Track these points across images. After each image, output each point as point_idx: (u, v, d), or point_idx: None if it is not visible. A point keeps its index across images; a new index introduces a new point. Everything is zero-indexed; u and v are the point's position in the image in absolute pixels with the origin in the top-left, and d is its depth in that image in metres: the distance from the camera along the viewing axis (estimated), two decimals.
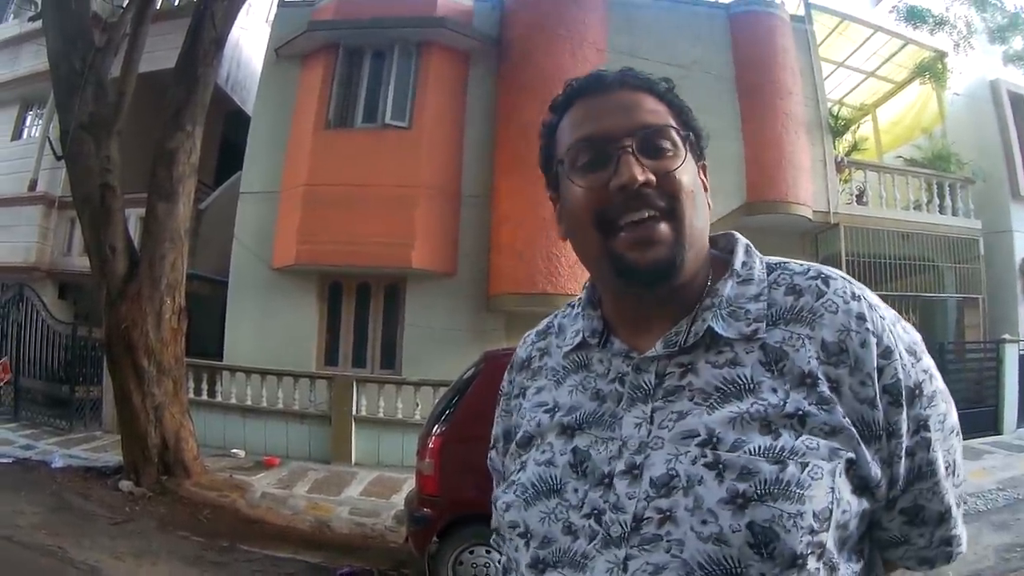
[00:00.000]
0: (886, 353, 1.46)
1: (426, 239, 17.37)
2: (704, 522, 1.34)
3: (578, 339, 1.69)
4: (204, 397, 16.66)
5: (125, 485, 12.40)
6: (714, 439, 1.41)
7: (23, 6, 19.27)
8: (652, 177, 1.48)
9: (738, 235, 1.69)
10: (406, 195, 17.31)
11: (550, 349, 1.80)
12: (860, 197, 20.50)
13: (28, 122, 24.78)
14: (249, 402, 16.51)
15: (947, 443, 1.54)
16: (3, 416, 18.72)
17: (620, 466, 1.46)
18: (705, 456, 1.39)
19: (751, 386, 1.44)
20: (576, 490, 1.51)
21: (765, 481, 1.34)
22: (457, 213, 18.06)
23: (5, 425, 17.70)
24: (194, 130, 13.12)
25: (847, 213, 19.56)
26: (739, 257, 1.62)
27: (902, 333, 1.52)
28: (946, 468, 1.54)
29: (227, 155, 23.25)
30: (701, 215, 1.55)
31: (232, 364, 17.24)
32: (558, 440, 1.59)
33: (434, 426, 8.52)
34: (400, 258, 17.18)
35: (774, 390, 1.43)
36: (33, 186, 22.40)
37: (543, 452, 1.60)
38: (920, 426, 1.49)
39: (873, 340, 1.46)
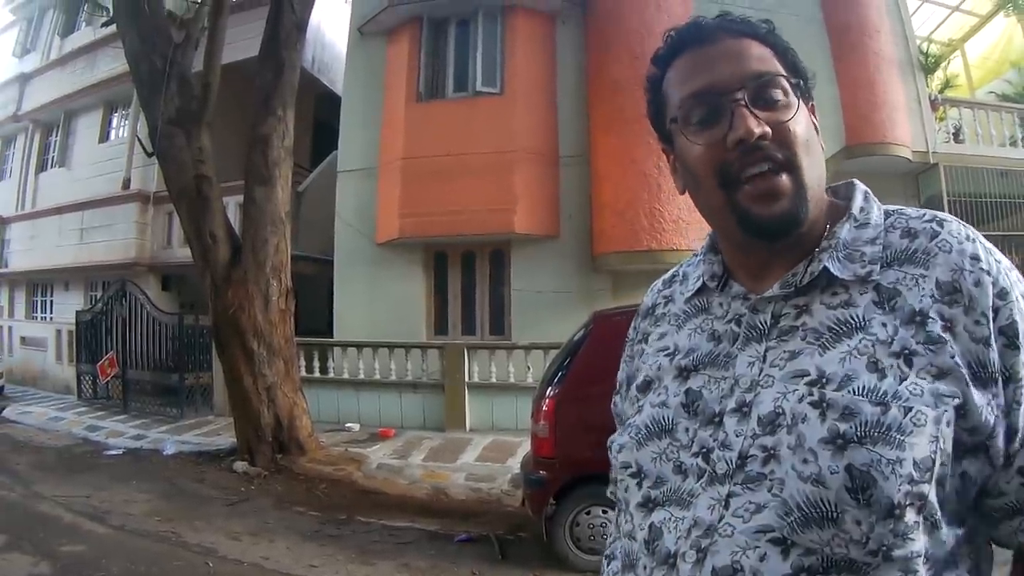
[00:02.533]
0: (1002, 294, 1.41)
1: (527, 203, 17.37)
2: (805, 461, 1.34)
3: (699, 284, 1.71)
4: (316, 374, 16.94)
5: (239, 466, 12.64)
6: (823, 379, 1.40)
7: (94, 12, 19.40)
8: (768, 130, 1.46)
9: (857, 182, 1.66)
10: (504, 160, 17.28)
11: (674, 296, 1.80)
12: (956, 135, 19.94)
13: (114, 123, 25.37)
14: (361, 376, 16.73)
15: None
16: (113, 409, 19.17)
17: (731, 404, 1.48)
18: (811, 395, 1.39)
19: (862, 324, 1.43)
20: (687, 429, 1.53)
21: (865, 423, 1.32)
22: (556, 175, 18.00)
23: (115, 417, 18.09)
24: (285, 114, 13.30)
25: (945, 152, 19.12)
26: (857, 203, 1.59)
27: (1017, 280, 1.46)
28: None
29: (321, 136, 23.62)
30: (817, 162, 1.53)
31: (342, 340, 17.50)
32: (674, 383, 1.61)
33: (547, 389, 8.52)
34: (503, 224, 17.19)
35: (884, 325, 1.41)
36: (127, 184, 22.92)
37: (659, 395, 1.63)
38: None
39: (988, 280, 1.42)
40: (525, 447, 11.66)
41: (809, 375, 1.41)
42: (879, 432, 1.30)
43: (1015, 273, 1.46)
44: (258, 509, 10.54)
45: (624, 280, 17.24)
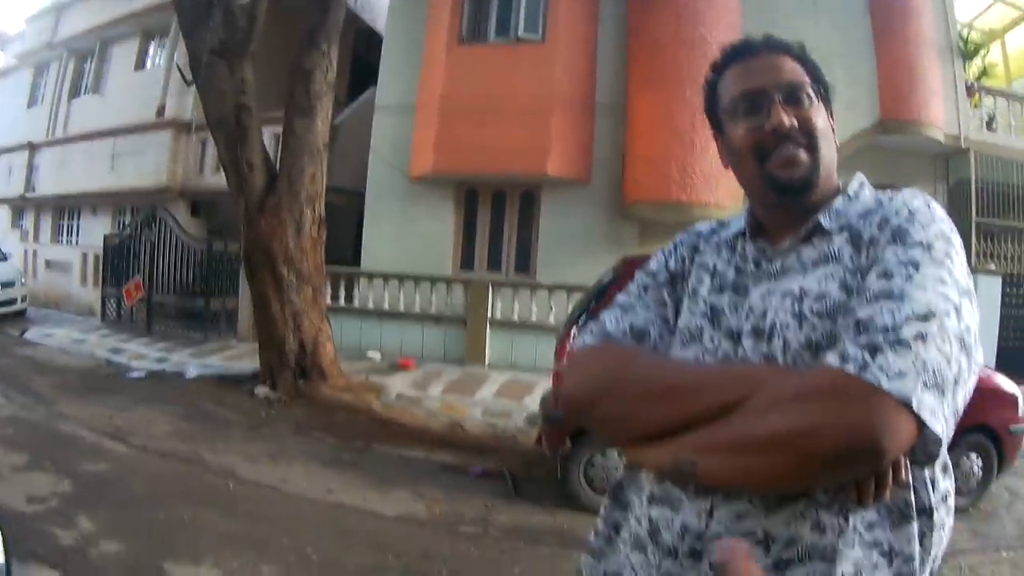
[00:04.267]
0: (910, 218, 1.76)
1: (561, 147, 17.43)
2: (795, 360, 1.71)
3: (740, 229, 2.08)
4: (341, 303, 17.15)
5: (261, 391, 12.78)
6: (803, 293, 1.78)
7: None
8: (795, 122, 1.88)
9: (860, 174, 2.07)
10: (540, 105, 17.34)
11: (719, 232, 2.18)
12: (990, 123, 19.79)
13: (151, 52, 25.49)
14: (386, 306, 16.99)
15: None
16: (137, 332, 19.34)
17: (747, 327, 1.85)
18: (793, 307, 1.77)
19: (836, 255, 1.81)
20: (712, 339, 1.91)
21: (825, 335, 1.69)
22: (591, 122, 17.99)
23: (138, 340, 18.23)
24: (329, 49, 13.27)
25: (977, 139, 19.02)
26: (852, 186, 2.00)
27: (939, 223, 1.76)
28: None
29: (359, 72, 23.75)
30: (830, 149, 1.95)
31: (369, 270, 17.71)
32: (708, 296, 1.99)
33: (572, 327, 8.62)
34: (535, 165, 17.31)
35: (851, 258, 1.78)
36: (161, 112, 23.05)
37: (697, 304, 2.00)
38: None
39: (905, 211, 1.78)
40: (542, 387, 11.86)
41: (794, 292, 1.80)
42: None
43: (941, 222, 1.76)
44: (278, 433, 10.68)
45: (651, 230, 17.41)
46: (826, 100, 2.01)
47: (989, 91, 20.49)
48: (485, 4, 18.45)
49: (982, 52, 22.00)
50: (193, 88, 13.62)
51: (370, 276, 17.37)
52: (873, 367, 1.47)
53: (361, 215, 19.10)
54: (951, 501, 1.77)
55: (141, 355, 16.39)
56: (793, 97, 1.91)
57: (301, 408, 12.11)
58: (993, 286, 16.66)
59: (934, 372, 1.47)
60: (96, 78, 26.65)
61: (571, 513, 8.04)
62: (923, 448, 1.50)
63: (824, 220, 1.87)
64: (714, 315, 1.94)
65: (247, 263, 13.27)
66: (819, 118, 1.93)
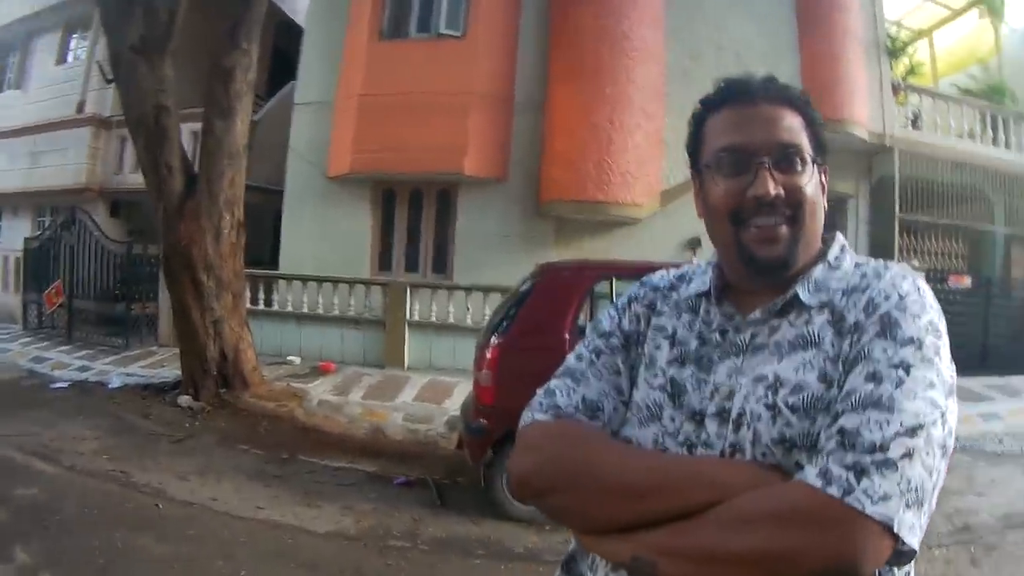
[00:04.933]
0: (901, 305, 1.64)
1: (478, 146, 17.52)
2: (764, 454, 1.62)
3: (703, 288, 1.93)
4: (260, 306, 17.03)
5: (184, 400, 12.65)
6: (778, 382, 1.66)
7: None
8: (782, 192, 1.74)
9: (839, 235, 1.94)
10: (459, 103, 17.39)
11: (679, 289, 2.01)
12: (915, 122, 20.29)
13: (72, 45, 24.95)
14: (305, 309, 16.94)
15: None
16: (58, 339, 19.04)
17: (711, 408, 1.73)
18: (767, 397, 1.65)
19: (816, 340, 1.69)
20: (673, 419, 1.78)
21: (800, 434, 1.60)
22: (510, 120, 18.09)
23: (60, 348, 17.98)
24: (250, 47, 13.10)
25: (902, 136, 19.40)
26: (833, 251, 1.86)
27: (929, 310, 1.65)
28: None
29: (278, 65, 23.40)
30: (818, 220, 1.82)
31: (288, 273, 17.64)
32: (667, 367, 1.86)
33: (491, 336, 8.60)
34: (452, 164, 17.36)
35: (832, 344, 1.66)
36: (81, 108, 22.68)
37: (655, 376, 1.87)
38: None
39: (896, 296, 1.66)
40: (461, 389, 12.15)
41: (767, 379, 1.67)
42: (812, 441, 1.58)
43: (932, 311, 1.66)
44: (204, 447, 10.60)
45: (568, 228, 17.63)
46: (820, 161, 1.85)
47: (915, 89, 20.96)
48: None
49: (909, 50, 22.51)
50: (114, 84, 13.36)
51: (289, 279, 17.32)
52: (858, 491, 1.41)
53: (279, 213, 19.03)
54: (912, 572, 1.71)
55: (64, 364, 16.18)
56: (784, 162, 1.77)
57: (225, 418, 12.07)
58: None
59: (917, 489, 1.44)
60: (19, 72, 26.05)
61: (496, 523, 8.12)
62: (896, 560, 1.48)
63: (803, 293, 1.75)
64: (674, 391, 1.81)
65: (167, 269, 13.15)
66: (810, 185, 1.79)
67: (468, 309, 15.95)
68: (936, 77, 24.82)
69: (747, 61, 16.34)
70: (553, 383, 1.95)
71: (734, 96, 1.85)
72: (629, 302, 2.05)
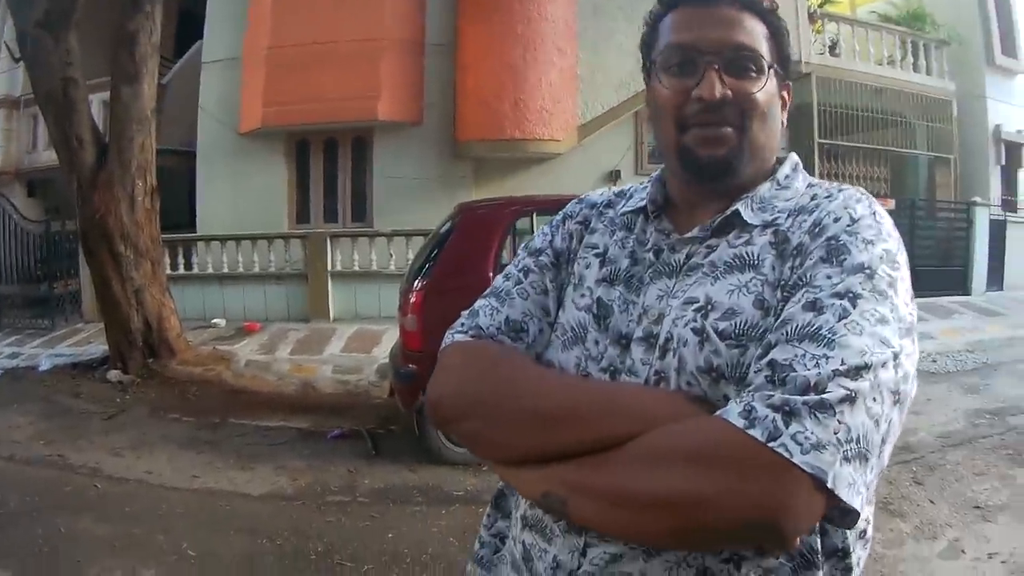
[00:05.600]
0: (852, 231, 1.47)
1: (391, 90, 17.51)
2: (689, 384, 1.47)
3: (640, 204, 1.81)
4: (181, 271, 16.88)
5: (113, 375, 12.55)
6: (709, 305, 1.51)
7: None
8: (729, 93, 1.59)
9: (793, 155, 1.81)
10: (369, 48, 17.32)
11: (616, 205, 1.90)
12: (833, 49, 20.75)
13: None
14: (226, 270, 16.87)
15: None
16: None
17: (638, 332, 1.60)
18: (695, 321, 1.50)
19: (756, 261, 1.54)
20: (597, 342, 1.65)
21: (729, 364, 1.44)
22: (421, 62, 18.09)
23: None
24: (153, 9, 12.85)
25: (820, 63, 19.84)
26: (784, 170, 1.73)
27: (887, 237, 1.49)
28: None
29: (185, 25, 22.77)
30: (769, 132, 1.67)
31: (206, 234, 17.54)
32: (595, 287, 1.73)
33: (414, 281, 8.65)
34: (366, 111, 17.36)
35: (773, 267, 1.51)
36: None
37: (582, 296, 1.74)
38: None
39: (847, 218, 1.50)
40: (389, 336, 12.23)
41: (698, 301, 1.53)
42: (741, 372, 1.42)
43: (890, 239, 1.49)
44: (135, 420, 10.50)
45: (486, 167, 17.80)
46: (781, 74, 1.71)
47: (833, 17, 21.58)
48: None
49: None
50: (21, 63, 13.16)
51: (207, 240, 17.20)
52: (785, 435, 1.22)
53: (193, 176, 18.83)
54: (870, 531, 1.57)
55: None
56: (736, 65, 1.62)
57: (154, 388, 11.99)
58: None
59: (858, 440, 1.24)
60: None
61: (432, 468, 8.26)
62: (839, 520, 1.30)
63: (745, 211, 1.62)
64: (600, 312, 1.69)
65: (84, 243, 13.01)
66: (763, 93, 1.63)
67: (391, 255, 15.98)
68: (855, 5, 25.19)
69: None
70: (478, 303, 1.86)
71: None
72: (564, 219, 1.95)
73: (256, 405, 10.97)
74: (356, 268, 16.21)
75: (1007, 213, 22.44)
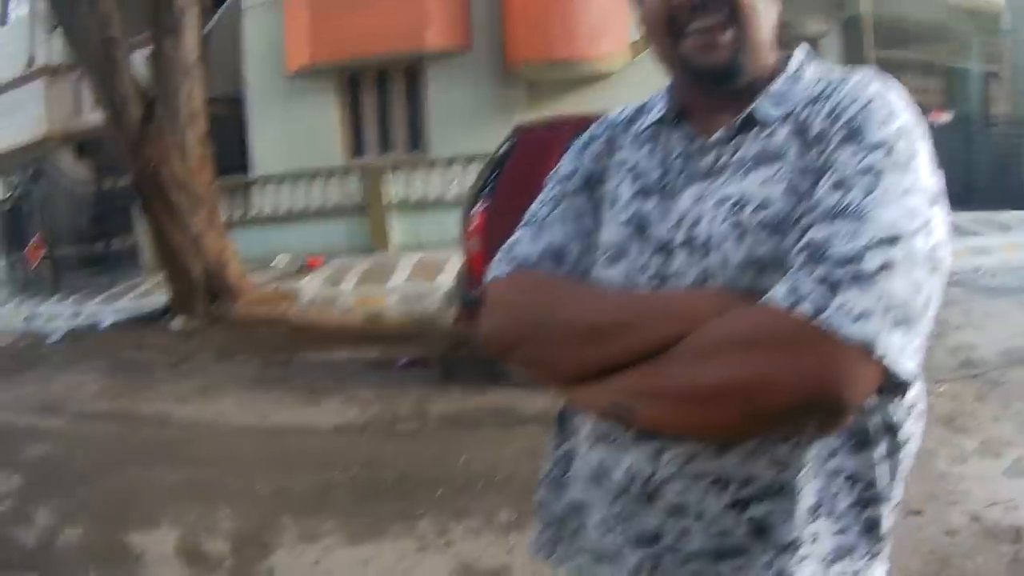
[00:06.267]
0: (867, 111, 1.47)
1: (438, 17, 17.37)
2: (735, 279, 1.47)
3: (659, 114, 1.77)
4: (240, 215, 17.18)
5: (176, 324, 12.78)
6: (743, 200, 1.51)
7: None
8: None
9: (804, 45, 1.77)
10: None
11: (637, 120, 1.86)
12: None
13: (12, 6, 24.97)
14: (284, 209, 17.10)
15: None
16: (46, 292, 18.93)
17: (679, 237, 1.57)
18: (732, 216, 1.50)
19: (780, 152, 1.53)
20: (641, 253, 1.62)
21: (770, 253, 1.45)
22: None
23: (50, 300, 17.91)
24: None
25: None
26: (794, 62, 1.69)
27: (902, 113, 1.49)
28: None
29: None
30: (765, 21, 1.61)
31: (261, 175, 17.77)
32: (631, 201, 1.70)
33: (475, 203, 8.65)
34: (415, 40, 17.25)
35: (799, 155, 1.50)
36: (31, 62, 22.51)
37: (620, 213, 1.71)
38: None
39: (863, 100, 1.49)
40: (453, 264, 12.10)
41: (732, 198, 1.52)
42: (786, 259, 1.40)
43: (904, 114, 1.49)
44: (201, 365, 10.67)
45: (539, 89, 17.48)
46: None
47: None
48: None
49: None
50: (59, 30, 13.18)
51: (264, 181, 17.39)
52: (832, 308, 1.27)
53: (243, 122, 18.86)
54: (921, 405, 1.58)
55: (56, 315, 16.10)
56: None
57: (219, 332, 12.13)
58: None
59: (902, 306, 1.29)
60: None
61: (503, 391, 8.13)
62: (892, 387, 1.34)
63: (762, 108, 1.60)
64: (640, 224, 1.66)
65: (139, 196, 13.15)
66: None
67: (449, 182, 15.92)
68: None
69: None
70: (517, 234, 1.84)
71: None
72: (589, 141, 1.93)
73: (323, 340, 11.04)
74: (415, 197, 16.28)
75: None
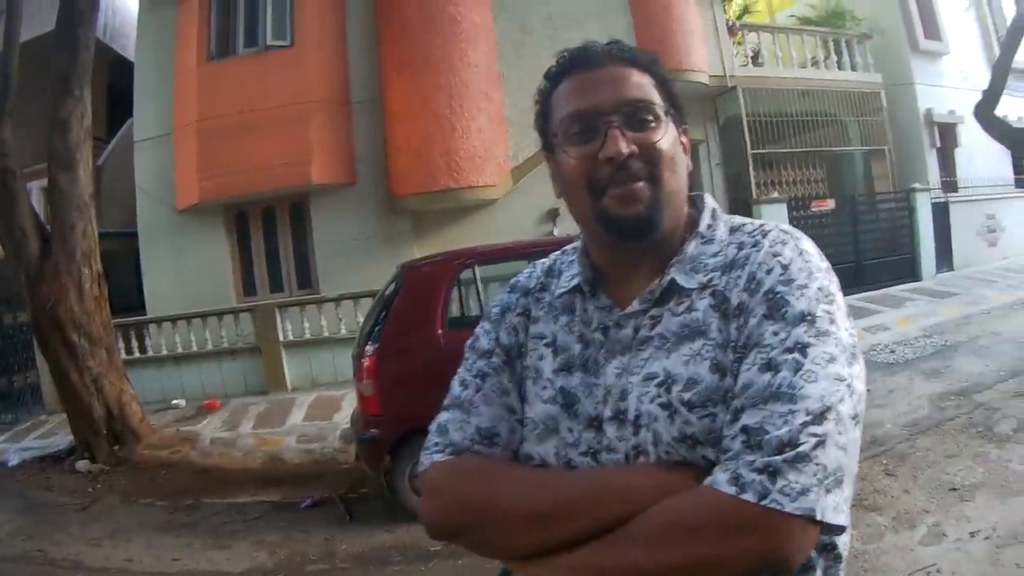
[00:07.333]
0: (787, 280, 1.54)
1: (323, 153, 17.44)
2: (668, 453, 1.54)
3: (573, 283, 1.84)
4: (136, 355, 16.67)
5: (82, 465, 12.41)
6: (670, 379, 1.57)
7: None
8: (635, 148, 1.64)
9: (708, 198, 1.85)
10: (296, 113, 17.24)
11: (549, 287, 1.92)
12: (756, 58, 21.19)
13: None
14: (180, 349, 16.62)
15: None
16: None
17: (607, 412, 1.64)
18: (660, 396, 1.57)
19: (702, 328, 1.59)
20: (571, 430, 1.69)
21: (701, 430, 1.51)
22: (349, 122, 18.10)
23: None
24: (83, 94, 12.77)
25: (744, 75, 20.21)
26: (704, 220, 1.77)
27: (821, 276, 1.58)
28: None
29: (116, 104, 22.75)
30: (679, 178, 1.73)
31: (156, 316, 17.30)
32: (554, 377, 1.77)
33: (366, 345, 8.66)
34: (299, 176, 17.24)
35: (720, 330, 1.57)
36: None
37: (544, 389, 1.78)
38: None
39: (778, 267, 1.57)
40: (349, 400, 12.25)
41: (658, 377, 1.59)
42: (714, 437, 1.49)
43: (819, 274, 1.57)
44: (109, 509, 10.44)
45: (425, 220, 17.76)
46: (678, 119, 1.79)
47: (752, 27, 22.08)
48: (232, 16, 18.16)
49: None
50: None
51: (158, 321, 17.00)
52: (774, 492, 1.35)
53: (139, 257, 18.61)
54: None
55: None
56: (635, 119, 1.69)
57: (123, 475, 11.88)
58: (780, 212, 17.77)
59: (835, 472, 1.38)
60: None
61: (408, 526, 8.12)
62: (830, 530, 1.41)
63: (679, 277, 1.67)
64: (567, 400, 1.72)
65: (38, 334, 12.87)
66: (665, 141, 1.70)
67: (340, 319, 15.87)
68: (772, 11, 25.79)
69: (578, 26, 16.69)
70: (443, 418, 1.86)
71: (576, 64, 1.77)
72: (503, 313, 1.97)
73: (226, 482, 10.94)
74: (307, 336, 16.12)
75: (948, 194, 22.88)
